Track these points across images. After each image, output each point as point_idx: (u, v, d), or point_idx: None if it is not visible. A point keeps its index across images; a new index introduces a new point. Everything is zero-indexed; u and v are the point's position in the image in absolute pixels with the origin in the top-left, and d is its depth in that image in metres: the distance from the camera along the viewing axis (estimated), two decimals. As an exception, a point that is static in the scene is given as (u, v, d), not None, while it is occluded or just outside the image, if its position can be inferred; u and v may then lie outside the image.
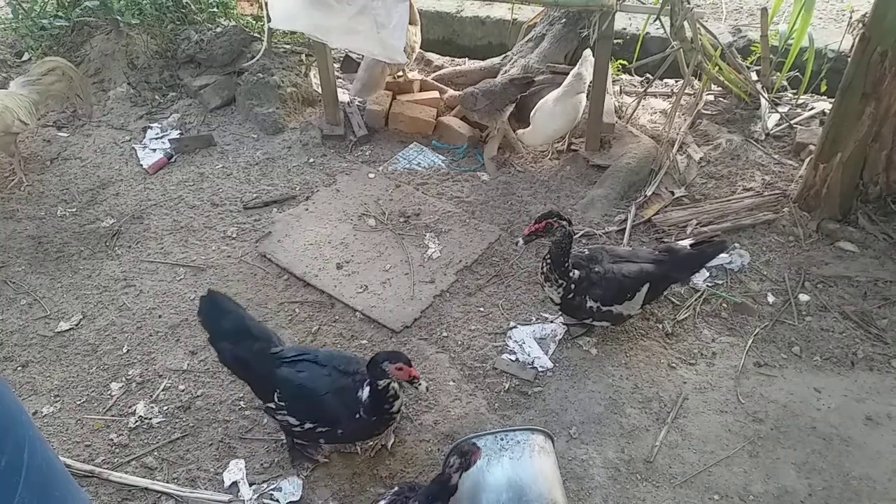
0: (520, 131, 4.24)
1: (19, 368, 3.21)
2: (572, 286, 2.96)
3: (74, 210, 4.08)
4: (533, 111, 4.12)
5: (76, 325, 3.40)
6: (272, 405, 2.59)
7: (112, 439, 2.91)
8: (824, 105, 4.39)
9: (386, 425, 2.61)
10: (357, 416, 2.51)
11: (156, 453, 2.86)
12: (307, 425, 2.57)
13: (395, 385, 2.48)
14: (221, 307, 2.71)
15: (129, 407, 3.04)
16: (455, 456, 2.22)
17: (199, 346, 3.27)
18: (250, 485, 2.74)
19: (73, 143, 4.59)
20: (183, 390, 3.09)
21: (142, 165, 4.38)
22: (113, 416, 3.01)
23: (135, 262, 3.72)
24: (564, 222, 2.83)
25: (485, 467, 2.36)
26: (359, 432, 2.61)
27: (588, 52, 4.09)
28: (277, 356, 2.62)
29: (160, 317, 3.42)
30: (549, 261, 2.94)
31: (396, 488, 2.37)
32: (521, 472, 2.35)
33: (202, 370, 3.17)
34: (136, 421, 2.97)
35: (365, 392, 2.49)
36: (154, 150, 4.49)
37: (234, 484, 2.74)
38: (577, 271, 2.97)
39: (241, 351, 2.63)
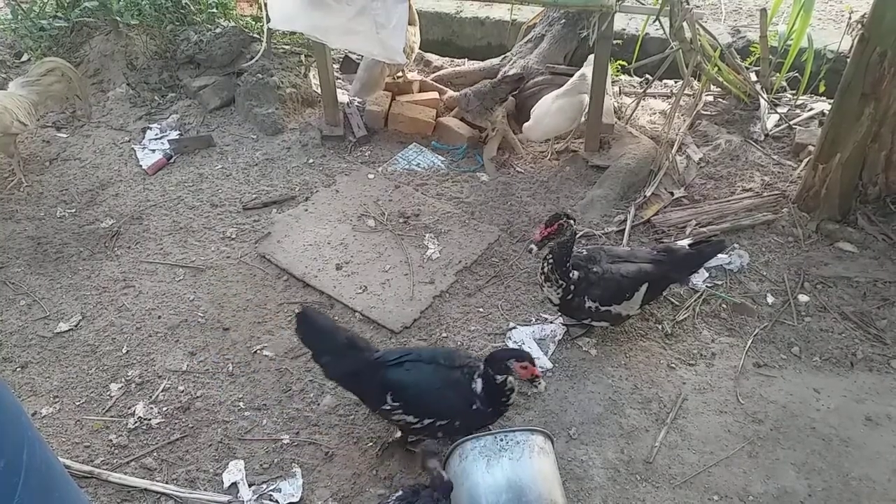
0: (525, 125, 4.26)
1: (18, 369, 3.21)
2: (571, 287, 2.96)
3: (74, 211, 4.08)
4: (534, 107, 4.14)
5: (75, 325, 3.40)
6: (387, 407, 2.60)
7: (111, 440, 2.91)
8: (823, 106, 4.39)
9: (500, 415, 2.66)
10: (474, 406, 2.55)
11: (155, 454, 2.86)
12: (426, 421, 2.59)
13: (513, 380, 2.53)
14: (317, 322, 2.72)
15: (129, 408, 3.03)
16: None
17: (198, 346, 3.27)
18: (250, 485, 2.73)
19: (73, 143, 4.59)
20: (182, 391, 3.09)
21: (141, 166, 4.38)
22: (112, 416, 3.01)
23: (134, 263, 3.72)
24: (572, 221, 2.85)
25: (484, 468, 2.36)
26: (476, 423, 2.63)
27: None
28: (380, 360, 2.64)
29: (159, 317, 3.42)
30: (551, 261, 2.93)
31: (400, 492, 2.36)
32: (521, 472, 2.35)
33: (202, 371, 3.17)
34: (136, 422, 2.97)
35: (478, 384, 2.54)
36: (153, 150, 4.49)
37: (234, 485, 2.74)
38: (575, 272, 2.97)
39: (348, 363, 2.65)
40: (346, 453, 2.83)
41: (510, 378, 2.51)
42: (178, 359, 3.23)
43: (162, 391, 3.09)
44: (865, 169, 3.59)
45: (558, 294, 2.99)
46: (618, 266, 3.01)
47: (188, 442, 2.90)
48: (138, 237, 3.88)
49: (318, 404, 3.01)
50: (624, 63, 4.88)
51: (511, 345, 3.20)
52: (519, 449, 2.39)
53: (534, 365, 2.47)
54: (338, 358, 2.67)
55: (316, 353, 2.72)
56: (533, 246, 2.91)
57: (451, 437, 2.61)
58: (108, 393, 3.10)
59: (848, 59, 3.44)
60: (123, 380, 3.15)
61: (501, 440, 2.42)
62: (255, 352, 3.24)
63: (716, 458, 2.76)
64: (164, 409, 3.02)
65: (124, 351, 3.27)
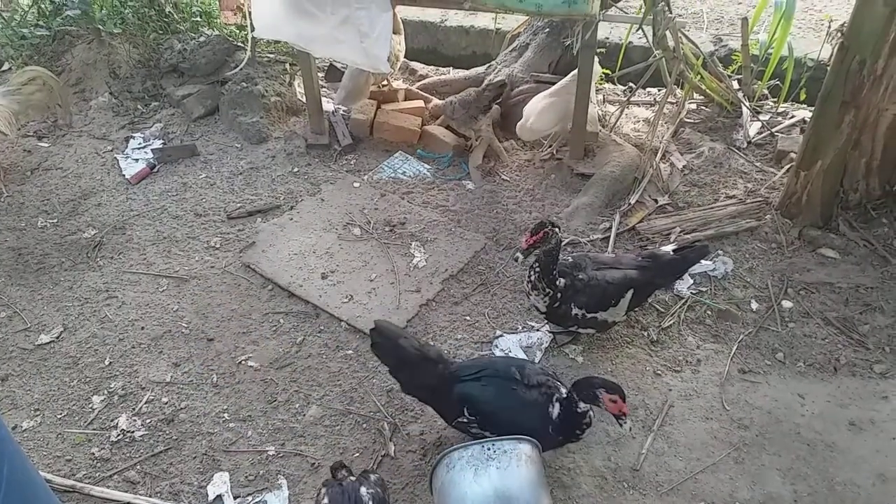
0: (518, 124, 4.28)
1: (-2, 382, 3.16)
2: (558, 295, 2.96)
3: (55, 221, 4.04)
4: (528, 107, 4.18)
5: (57, 337, 3.36)
6: (463, 420, 2.57)
7: (94, 453, 2.87)
8: (805, 113, 4.44)
9: (564, 445, 2.59)
10: (549, 431, 2.49)
11: (138, 467, 2.83)
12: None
13: (593, 412, 2.44)
14: (391, 336, 2.68)
15: (111, 420, 3.00)
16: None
17: (182, 357, 3.24)
18: (235, 498, 2.71)
19: (55, 153, 4.55)
20: (166, 403, 3.06)
21: (124, 175, 4.34)
22: (94, 429, 2.97)
23: (117, 274, 3.69)
24: (557, 229, 2.85)
25: (472, 478, 2.35)
26: (546, 447, 2.54)
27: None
28: (456, 373, 2.60)
29: (143, 328, 3.39)
30: (537, 270, 2.94)
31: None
32: (509, 481, 2.34)
33: (185, 382, 3.14)
34: (118, 434, 2.93)
35: (555, 409, 2.48)
36: (136, 159, 4.46)
37: (219, 497, 2.71)
38: (562, 279, 2.97)
39: (424, 377, 2.63)
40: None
41: (591, 410, 2.43)
42: (161, 370, 3.19)
43: (145, 403, 3.06)
44: (846, 176, 3.63)
45: (545, 302, 2.99)
46: (603, 273, 3.02)
47: (172, 454, 2.87)
48: (121, 247, 3.85)
49: (304, 415, 2.99)
50: (608, 71, 4.91)
51: (497, 353, 3.20)
52: (506, 458, 2.38)
53: (624, 400, 2.36)
54: (413, 372, 2.64)
55: (392, 369, 2.70)
56: (519, 255, 2.91)
57: None
58: (90, 405, 3.06)
59: (828, 68, 3.48)
60: (106, 392, 3.11)
61: (489, 449, 2.41)
62: (240, 362, 3.21)
63: (702, 465, 2.77)
64: (148, 421, 2.99)
65: (107, 363, 3.24)
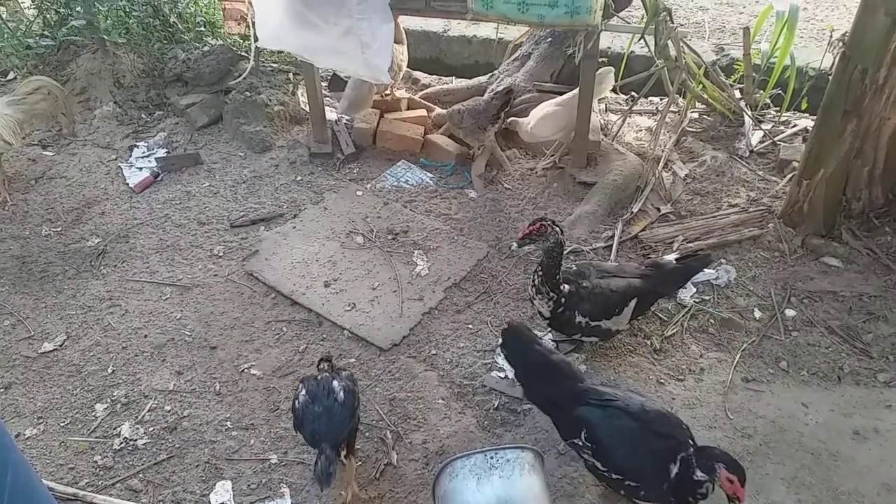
0: (522, 123, 4.30)
1: (2, 390, 3.16)
2: (562, 300, 2.96)
3: (59, 229, 4.05)
4: (533, 111, 4.19)
5: (60, 345, 3.36)
6: (578, 443, 2.49)
7: (96, 461, 2.87)
8: (807, 122, 4.45)
9: None
10: (663, 487, 2.34)
11: (141, 475, 2.82)
12: (615, 475, 2.43)
13: (711, 486, 2.26)
14: (525, 341, 2.64)
15: (114, 428, 3.00)
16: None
17: (185, 365, 3.24)
18: (237, 506, 2.70)
19: (59, 161, 4.57)
20: (169, 411, 3.06)
21: (128, 184, 4.36)
22: (97, 437, 2.97)
23: (120, 282, 3.69)
24: (557, 228, 2.85)
25: (475, 487, 2.34)
26: (657, 501, 2.42)
27: (604, 70, 4.16)
28: (583, 394, 2.51)
29: (146, 337, 3.39)
30: (540, 272, 2.94)
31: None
32: (512, 490, 2.33)
33: (188, 390, 3.14)
34: (121, 442, 2.93)
35: (675, 467, 2.31)
36: (140, 168, 4.48)
37: (221, 506, 2.71)
38: (566, 286, 2.97)
39: (551, 389, 2.57)
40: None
41: (708, 484, 2.25)
42: (164, 378, 3.20)
43: (148, 411, 3.06)
44: (849, 184, 3.63)
45: (549, 307, 2.99)
46: (607, 281, 3.02)
47: (175, 462, 2.87)
48: (125, 255, 3.86)
49: (307, 423, 2.98)
50: (610, 80, 4.92)
51: (501, 361, 3.20)
52: (509, 467, 2.38)
53: (743, 484, 2.17)
54: (540, 381, 2.58)
55: (519, 372, 2.66)
56: (514, 244, 2.92)
57: (631, 499, 2.48)
58: (93, 413, 3.06)
59: (830, 77, 3.49)
60: (109, 400, 3.11)
61: (491, 458, 2.40)
62: (243, 371, 3.21)
63: (706, 474, 2.76)
64: (151, 429, 2.99)
65: (110, 371, 3.24)
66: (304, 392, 2.61)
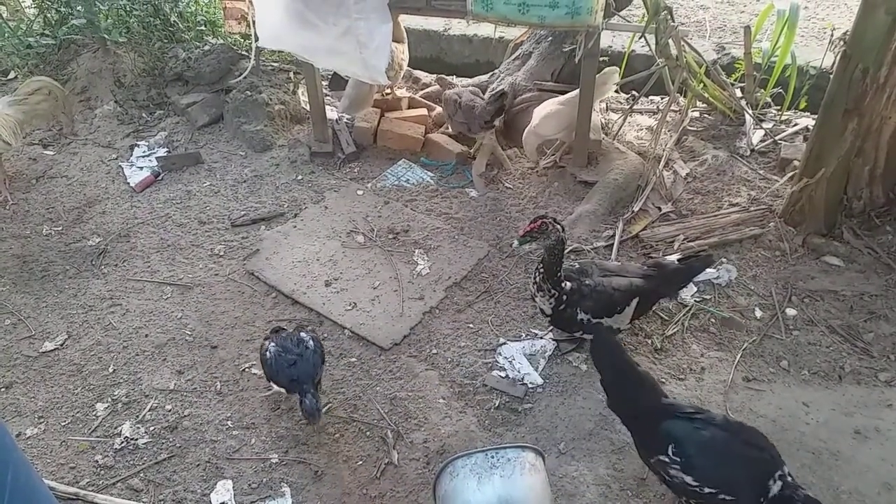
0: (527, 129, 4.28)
1: (3, 390, 3.16)
2: (564, 297, 2.97)
3: (60, 229, 4.05)
4: (535, 109, 4.19)
5: (61, 345, 3.37)
6: (664, 459, 2.36)
7: (97, 461, 2.87)
8: (808, 121, 4.44)
9: None
10: (760, 501, 2.25)
11: (142, 475, 2.83)
12: (707, 489, 2.30)
13: None
14: (613, 347, 2.60)
15: (115, 428, 3.00)
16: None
17: (185, 365, 3.24)
18: (238, 506, 2.70)
19: (60, 161, 4.57)
20: (170, 410, 3.06)
21: (128, 183, 4.36)
22: (98, 437, 2.97)
23: (121, 281, 3.70)
24: (559, 226, 2.86)
25: (475, 486, 2.34)
26: None
27: (608, 70, 4.15)
28: (669, 409, 2.44)
29: (147, 336, 3.39)
30: (541, 270, 2.94)
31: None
32: (513, 490, 2.33)
33: (189, 390, 3.14)
34: (122, 442, 2.93)
35: (776, 485, 2.23)
36: (141, 168, 4.48)
37: (222, 505, 2.71)
38: (568, 283, 2.98)
39: (637, 400, 2.50)
40: (335, 472, 2.80)
41: None
42: (165, 377, 3.20)
43: (149, 410, 3.06)
44: (850, 183, 3.62)
45: (551, 304, 2.99)
46: (609, 279, 3.02)
47: (175, 462, 2.87)
48: (125, 255, 3.86)
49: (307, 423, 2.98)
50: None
51: (501, 361, 3.20)
52: (510, 466, 2.38)
53: None
54: (627, 391, 2.52)
55: (605, 379, 2.58)
56: (515, 241, 2.92)
57: None
58: (93, 413, 3.06)
59: (831, 76, 3.49)
60: (110, 399, 3.11)
61: (492, 457, 2.40)
62: (244, 370, 3.21)
63: (707, 473, 2.76)
64: (151, 428, 2.99)
65: (111, 370, 3.24)
66: (272, 345, 2.84)
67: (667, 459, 2.36)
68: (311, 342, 2.87)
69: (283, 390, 2.85)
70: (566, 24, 3.53)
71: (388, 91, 4.82)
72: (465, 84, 4.97)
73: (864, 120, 3.38)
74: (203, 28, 5.32)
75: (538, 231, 2.85)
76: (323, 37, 3.80)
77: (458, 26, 5.93)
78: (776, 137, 4.36)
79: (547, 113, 4.16)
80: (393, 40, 4.47)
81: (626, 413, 2.58)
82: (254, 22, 4.29)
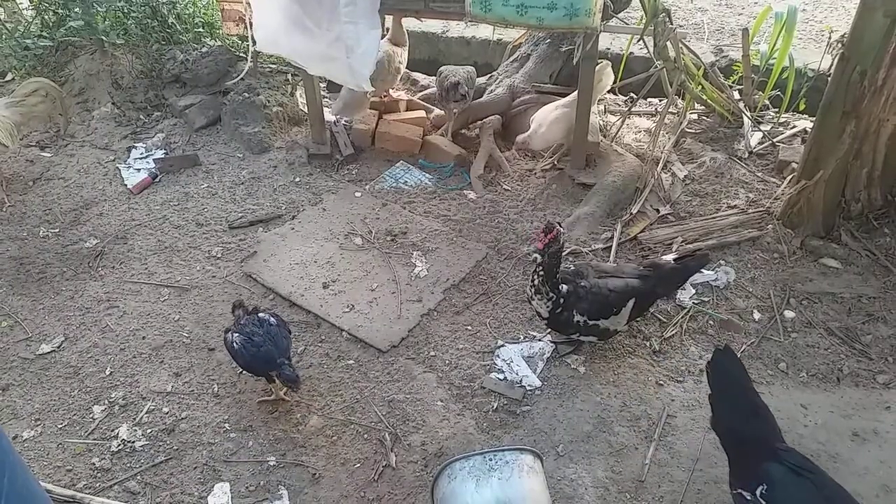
0: (526, 134, 4.29)
1: (-1, 392, 3.16)
2: (561, 300, 2.97)
3: (57, 231, 4.04)
4: (533, 117, 4.19)
5: (58, 347, 3.35)
6: (747, 496, 2.27)
7: (94, 463, 2.86)
8: (806, 123, 4.45)
9: None
10: None
11: (139, 477, 2.82)
12: None
13: None
14: (737, 368, 2.51)
15: (112, 430, 2.99)
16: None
17: (183, 367, 3.23)
18: (235, 509, 2.70)
19: (57, 163, 4.56)
20: (167, 413, 3.05)
21: (126, 185, 4.35)
22: (95, 439, 2.96)
23: (118, 283, 3.69)
24: (562, 230, 2.88)
25: (473, 489, 2.34)
26: None
27: (601, 66, 4.15)
28: (777, 450, 2.32)
29: (144, 338, 3.38)
30: (541, 273, 2.94)
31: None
32: (511, 492, 2.33)
33: (186, 392, 3.13)
34: (119, 444, 2.92)
35: None
36: (138, 169, 4.47)
37: (219, 508, 2.70)
38: (564, 286, 2.98)
39: (746, 427, 2.40)
40: (333, 475, 2.80)
41: None
42: (162, 380, 3.19)
43: (146, 413, 3.05)
44: (848, 186, 3.63)
45: (548, 307, 2.99)
46: (605, 281, 3.02)
47: (173, 464, 2.86)
48: (123, 257, 3.85)
49: (305, 425, 2.97)
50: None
51: (500, 363, 3.19)
52: (508, 468, 2.37)
53: None
54: (736, 414, 2.43)
55: (715, 395, 2.51)
56: (537, 255, 2.92)
57: None
58: (90, 415, 3.05)
59: (829, 78, 3.49)
60: (107, 402, 3.10)
61: (490, 460, 2.40)
62: (241, 372, 3.20)
63: (705, 476, 2.75)
64: (149, 431, 2.98)
65: (108, 372, 3.23)
66: (236, 336, 2.89)
67: (749, 497, 2.25)
68: (272, 319, 2.96)
69: (261, 378, 2.98)
70: (564, 26, 3.54)
71: (385, 94, 4.82)
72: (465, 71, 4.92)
73: (861, 122, 3.38)
74: (201, 30, 5.31)
75: (555, 240, 2.86)
76: (317, 42, 3.79)
77: (456, 28, 5.93)
78: (774, 140, 4.37)
79: (555, 118, 4.15)
80: (394, 44, 4.48)
81: (732, 437, 2.46)
82: (251, 23, 4.29)
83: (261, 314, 2.99)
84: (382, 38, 4.20)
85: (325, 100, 4.88)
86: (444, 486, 2.41)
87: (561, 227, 2.87)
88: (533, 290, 3.00)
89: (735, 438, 2.44)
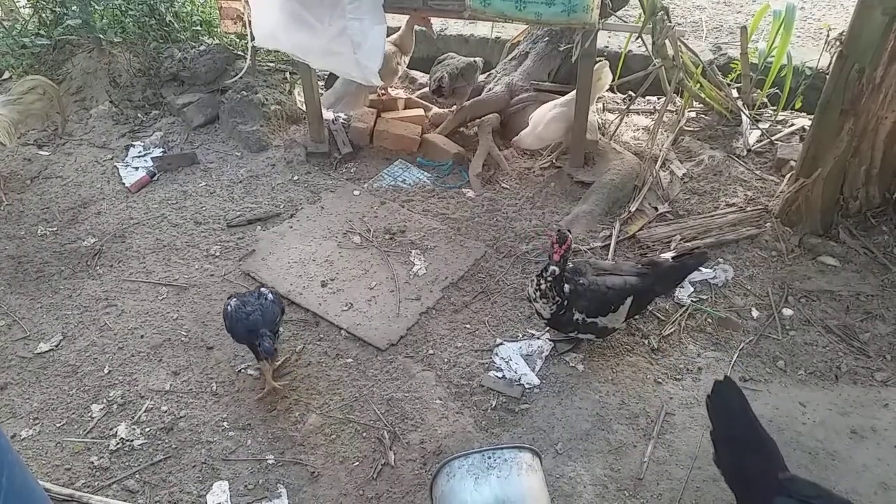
0: (522, 132, 4.28)
1: (-3, 391, 3.15)
2: (565, 302, 2.97)
3: (55, 229, 4.03)
4: (531, 114, 4.19)
5: (56, 345, 3.35)
6: None
7: (93, 462, 2.86)
8: (804, 121, 4.45)
9: None
10: None
11: (137, 476, 2.81)
12: None
13: None
14: (738, 402, 2.43)
15: (111, 429, 2.99)
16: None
17: (181, 366, 3.23)
18: (234, 507, 2.69)
19: (55, 161, 4.56)
20: (165, 411, 3.05)
21: (124, 184, 4.35)
22: (93, 438, 2.96)
23: (116, 282, 3.68)
24: (569, 235, 2.92)
25: (472, 487, 2.34)
26: None
27: (599, 64, 4.15)
28: (784, 484, 2.25)
29: (142, 337, 3.38)
30: (549, 279, 2.95)
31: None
32: (509, 490, 2.33)
33: (185, 391, 3.13)
34: (118, 443, 2.92)
35: None
36: (136, 168, 4.46)
37: (218, 506, 2.70)
38: (567, 285, 2.98)
39: (750, 465, 2.33)
40: (332, 473, 2.80)
41: None
42: (160, 378, 3.18)
43: (144, 412, 3.04)
44: (846, 183, 3.63)
45: (552, 310, 3.00)
46: (603, 278, 3.03)
47: (171, 463, 2.86)
48: (121, 255, 3.84)
49: (304, 423, 2.97)
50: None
51: (498, 361, 3.19)
52: (507, 467, 2.37)
53: None
54: (739, 450, 2.37)
55: (717, 431, 2.45)
56: (555, 268, 2.93)
57: None
58: (89, 414, 3.05)
59: (827, 76, 3.49)
60: (105, 400, 3.10)
61: (489, 458, 2.40)
62: (240, 371, 3.20)
63: (704, 474, 2.76)
64: (147, 429, 2.98)
65: (106, 371, 3.23)
66: (234, 301, 3.00)
67: None
68: (269, 295, 3.06)
69: (243, 344, 3.05)
70: (562, 21, 3.54)
71: (383, 91, 4.81)
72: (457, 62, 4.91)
73: (860, 120, 3.38)
74: (199, 28, 5.30)
75: (568, 249, 2.89)
76: (318, 37, 3.79)
77: (454, 26, 5.92)
78: (772, 138, 4.37)
79: (553, 116, 4.16)
80: (399, 47, 4.46)
81: (735, 474, 2.40)
82: (250, 21, 4.28)
83: (262, 289, 3.14)
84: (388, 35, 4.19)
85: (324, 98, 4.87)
86: (442, 485, 2.41)
87: (569, 232, 2.88)
88: (538, 293, 3.00)
89: (741, 477, 2.38)
